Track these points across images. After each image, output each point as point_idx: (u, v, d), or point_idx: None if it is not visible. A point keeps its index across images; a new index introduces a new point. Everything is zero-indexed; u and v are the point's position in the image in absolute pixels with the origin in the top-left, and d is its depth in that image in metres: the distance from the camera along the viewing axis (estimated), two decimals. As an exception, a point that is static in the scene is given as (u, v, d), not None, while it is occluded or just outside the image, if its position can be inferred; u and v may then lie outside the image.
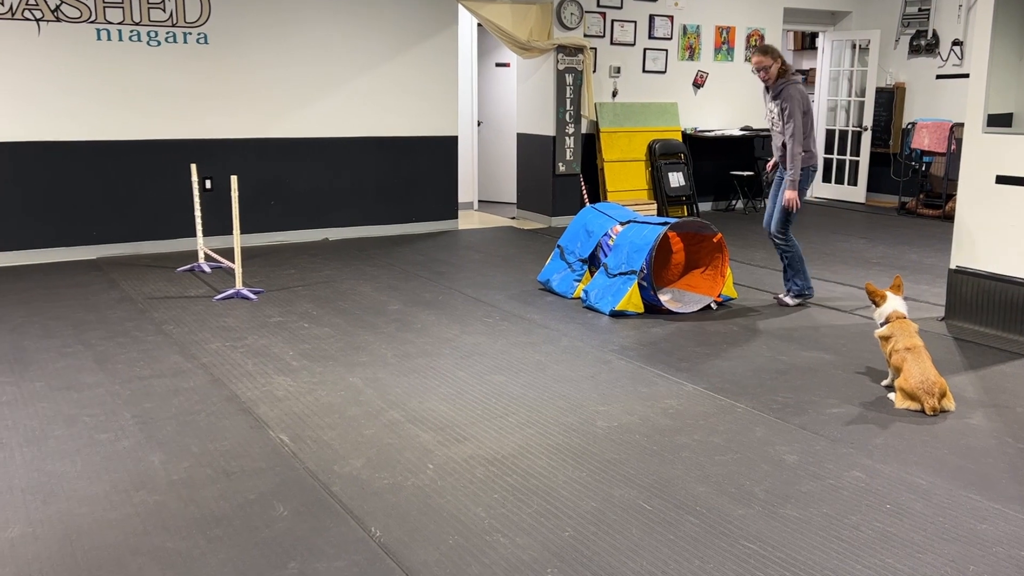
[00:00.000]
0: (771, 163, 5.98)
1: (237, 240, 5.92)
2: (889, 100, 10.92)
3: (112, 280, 6.39)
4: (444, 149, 8.73)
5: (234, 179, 5.76)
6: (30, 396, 4.03)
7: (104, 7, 6.86)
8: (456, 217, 8.99)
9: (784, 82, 5.55)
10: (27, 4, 6.60)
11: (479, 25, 9.88)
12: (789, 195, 5.59)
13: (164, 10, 7.10)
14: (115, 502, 3.05)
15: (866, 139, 11.04)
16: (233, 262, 6.01)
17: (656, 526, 2.92)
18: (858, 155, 11.14)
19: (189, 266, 6.75)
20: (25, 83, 6.70)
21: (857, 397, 4.17)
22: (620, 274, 5.67)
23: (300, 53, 7.79)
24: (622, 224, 5.96)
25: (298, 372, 4.43)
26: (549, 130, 9.09)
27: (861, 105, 11.07)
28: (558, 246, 6.35)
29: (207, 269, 6.70)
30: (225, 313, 5.53)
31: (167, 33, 7.16)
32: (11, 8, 6.54)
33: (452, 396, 4.11)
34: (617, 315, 5.55)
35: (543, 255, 7.36)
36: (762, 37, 10.53)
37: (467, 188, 10.19)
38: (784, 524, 2.94)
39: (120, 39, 6.97)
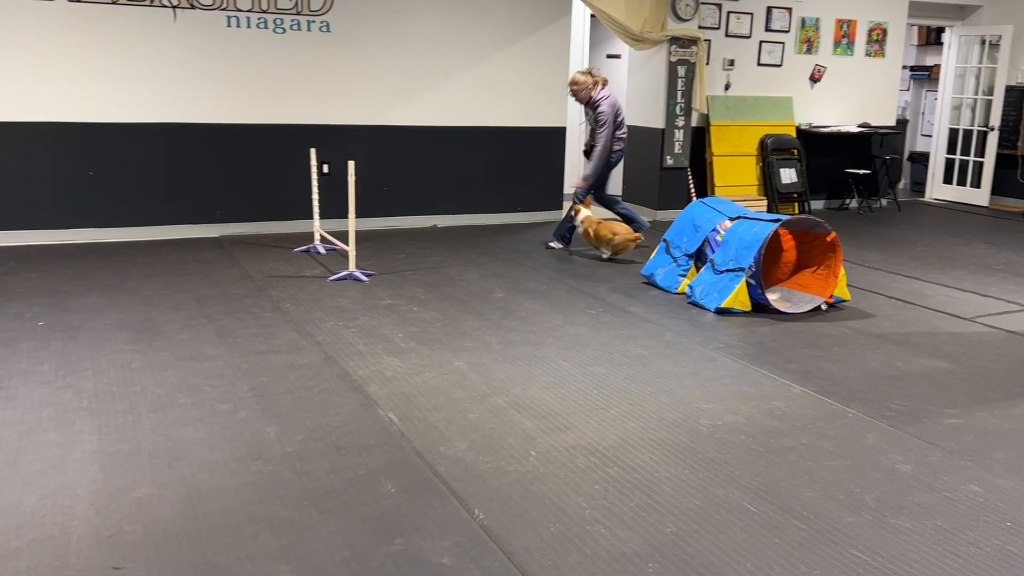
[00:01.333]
0: (586, 149, 7.45)
1: (352, 224, 6.10)
2: (1019, 99, 10.36)
3: (233, 258, 6.69)
4: (552, 140, 8.76)
5: (351, 164, 5.94)
6: (157, 364, 4.26)
7: (235, -5, 7.20)
8: (561, 208, 9.00)
9: (597, 101, 7.01)
10: (165, -9, 6.99)
11: (592, 16, 9.86)
12: (580, 183, 7.25)
13: (291, -1, 7.40)
14: (233, 470, 3.20)
15: (992, 139, 10.51)
16: (347, 245, 6.20)
17: (761, 528, 2.88)
18: (983, 156, 10.62)
19: (305, 247, 7.00)
20: (160, 68, 7.05)
21: (976, 408, 4.00)
22: (727, 271, 5.58)
23: (416, 43, 7.94)
24: (731, 220, 5.87)
25: (406, 354, 4.54)
26: (658, 122, 9.00)
27: (988, 104, 10.55)
28: (664, 240, 6.30)
29: (322, 251, 6.93)
30: (338, 294, 5.71)
31: (292, 21, 7.42)
32: (150, -4, 6.94)
33: (554, 385, 4.15)
34: (723, 312, 5.47)
35: (647, 248, 7.30)
36: (885, 31, 10.14)
37: (573, 179, 10.17)
38: (896, 535, 2.86)
39: (248, 26, 7.26)
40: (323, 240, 7.00)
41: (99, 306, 5.24)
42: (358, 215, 6.37)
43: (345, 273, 6.09)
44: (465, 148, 8.36)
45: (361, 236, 7.31)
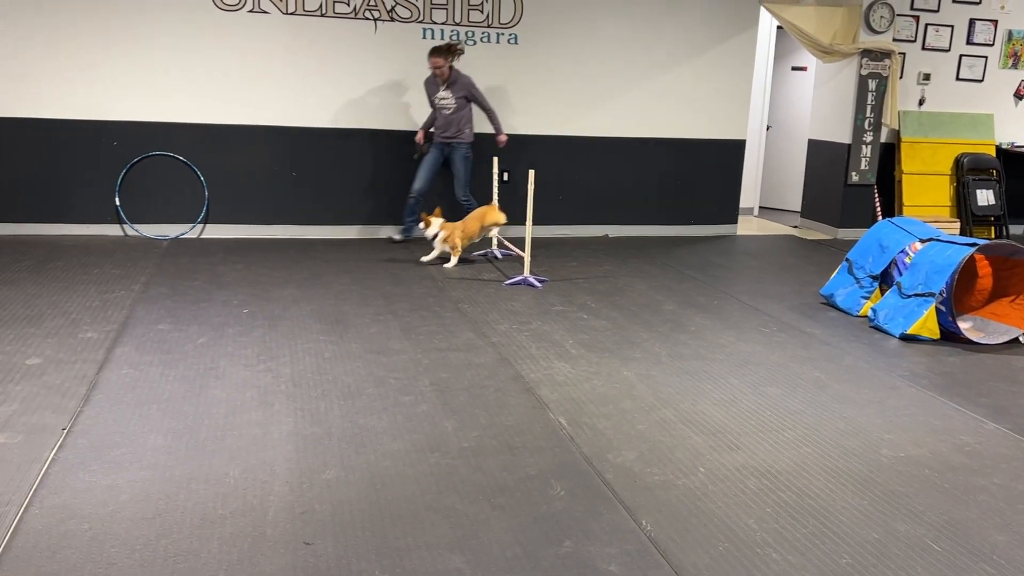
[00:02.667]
0: (421, 135, 7.35)
1: (529, 231, 6.28)
2: None
3: (417, 258, 7.00)
4: (730, 153, 8.62)
5: (531, 173, 6.11)
6: (348, 355, 4.55)
7: (431, 8, 7.53)
8: (735, 222, 8.86)
9: (456, 75, 7.01)
10: (368, 5, 7.40)
11: (779, 27, 9.63)
12: (503, 137, 7.23)
13: (482, 12, 7.65)
14: (413, 460, 3.37)
15: None
16: (523, 251, 6.38)
17: (946, 569, 2.75)
18: None
19: (483, 251, 7.24)
20: (360, 76, 7.50)
21: None
22: (916, 295, 5.32)
23: (599, 55, 8.04)
24: (922, 241, 5.59)
25: (576, 360, 4.62)
26: (844, 137, 8.67)
27: None
28: (846, 259, 6.08)
29: (498, 255, 7.16)
30: (513, 298, 5.89)
31: (482, 33, 7.70)
32: (354, 9, 7.38)
33: (725, 402, 4.11)
34: (908, 339, 5.22)
35: (826, 268, 7.07)
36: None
37: (749, 193, 9.99)
38: (1098, 591, 2.67)
39: (442, 38, 7.59)
40: (500, 245, 7.23)
41: (296, 297, 5.65)
42: (533, 223, 6.54)
43: (520, 278, 6.27)
44: (641, 159, 8.38)
45: (535, 243, 7.47)
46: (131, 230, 7.32)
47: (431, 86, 7.11)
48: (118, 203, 7.23)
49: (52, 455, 3.26)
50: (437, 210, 6.83)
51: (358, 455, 3.39)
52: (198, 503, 2.96)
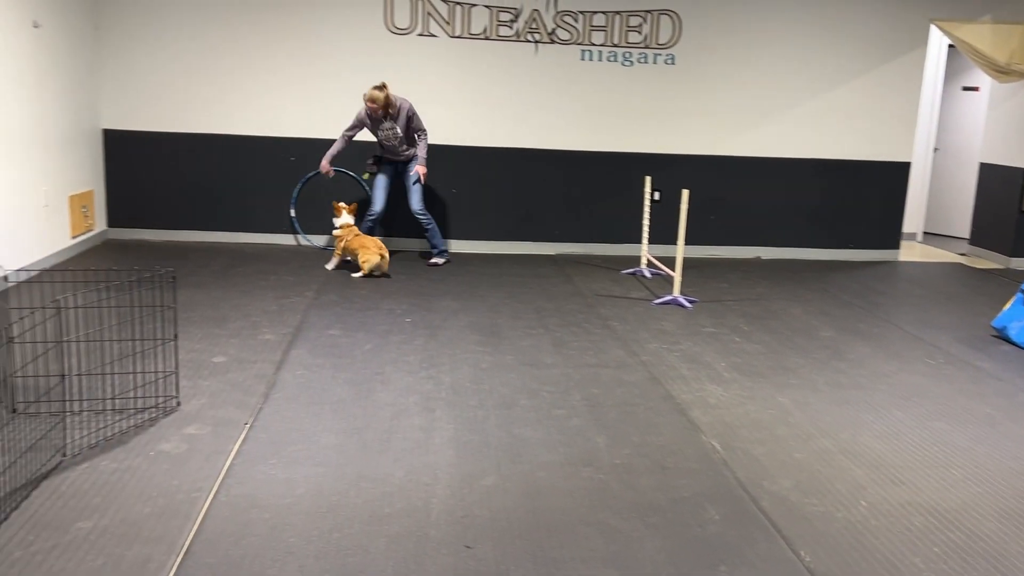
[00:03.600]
0: (373, 161, 7.14)
1: (680, 251, 6.25)
2: None
3: (567, 275, 7.12)
4: (893, 175, 8.30)
5: (685, 193, 6.10)
6: (502, 367, 4.69)
7: (590, 30, 7.66)
8: (897, 247, 8.51)
9: (399, 107, 6.84)
10: (530, 28, 7.62)
11: (950, 46, 9.21)
12: (422, 169, 6.99)
13: (640, 33, 7.72)
14: (567, 473, 3.44)
15: None
16: (673, 271, 6.36)
17: None
18: None
19: (632, 270, 7.28)
20: (520, 96, 7.72)
21: None
22: (1101, 333, 4.98)
23: (758, 75, 7.94)
24: (1110, 277, 5.22)
25: (729, 383, 4.59)
26: (1020, 162, 8.19)
27: None
28: (1021, 291, 5.75)
29: (647, 274, 7.17)
30: (662, 317, 5.89)
31: (640, 54, 7.76)
32: (517, 32, 7.61)
33: (887, 435, 3.98)
34: (1092, 379, 4.89)
35: (998, 299, 6.69)
36: None
37: (913, 218, 9.56)
38: None
39: (600, 59, 7.71)
40: (650, 265, 7.23)
41: (454, 309, 5.86)
42: (684, 242, 6.52)
43: (669, 298, 6.26)
44: (797, 180, 8.20)
45: (685, 263, 7.43)
46: (303, 240, 7.78)
47: (373, 120, 6.88)
48: (293, 214, 7.71)
49: (237, 447, 3.53)
50: (353, 205, 6.94)
51: (514, 464, 3.49)
52: (367, 501, 3.13)
